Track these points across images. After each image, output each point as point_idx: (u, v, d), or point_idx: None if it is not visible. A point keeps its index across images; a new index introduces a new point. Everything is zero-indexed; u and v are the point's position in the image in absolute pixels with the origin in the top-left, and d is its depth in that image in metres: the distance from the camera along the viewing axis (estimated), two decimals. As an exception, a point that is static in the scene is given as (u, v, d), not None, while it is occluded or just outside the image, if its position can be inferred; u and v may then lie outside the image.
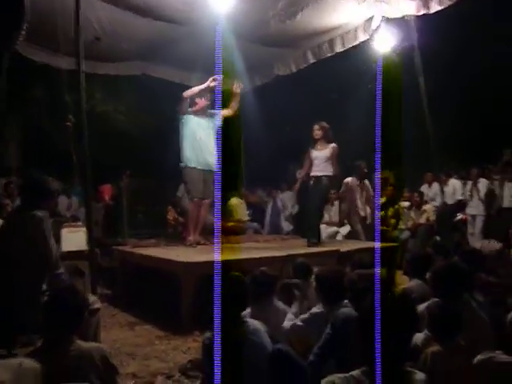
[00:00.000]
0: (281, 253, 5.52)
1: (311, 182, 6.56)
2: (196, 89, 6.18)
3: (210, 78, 6.13)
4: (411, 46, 6.85)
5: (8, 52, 6.39)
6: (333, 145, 6.47)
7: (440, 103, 10.78)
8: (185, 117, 6.16)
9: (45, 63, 7.25)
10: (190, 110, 6.19)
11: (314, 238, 6.32)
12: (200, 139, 6.14)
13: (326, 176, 6.41)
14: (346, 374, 2.01)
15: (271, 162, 6.67)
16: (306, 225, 6.76)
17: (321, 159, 6.45)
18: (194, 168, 6.10)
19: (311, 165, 6.54)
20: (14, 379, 2.03)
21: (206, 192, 6.17)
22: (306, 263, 4.26)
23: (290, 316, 3.46)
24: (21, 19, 5.69)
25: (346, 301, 3.36)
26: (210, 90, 6.17)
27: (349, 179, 8.12)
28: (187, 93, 6.15)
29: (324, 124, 6.57)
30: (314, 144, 6.59)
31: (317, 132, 6.52)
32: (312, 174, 6.52)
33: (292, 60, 8.44)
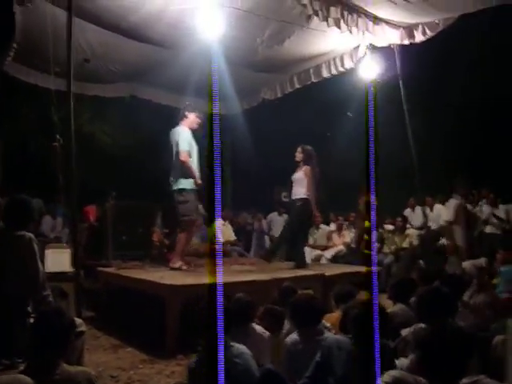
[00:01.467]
0: (265, 276, 5.52)
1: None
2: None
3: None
4: (396, 75, 7.00)
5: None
6: (305, 167, 6.45)
7: (427, 128, 11.03)
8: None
9: (33, 83, 7.28)
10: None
11: (301, 262, 6.35)
12: (194, 161, 6.06)
13: (298, 199, 6.42)
14: None
15: (256, 185, 6.72)
16: (287, 249, 6.90)
17: (295, 182, 6.49)
18: (190, 189, 6.01)
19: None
20: None
21: (196, 213, 6.18)
22: (292, 287, 4.28)
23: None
24: (10, 39, 5.73)
25: (321, 324, 3.40)
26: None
27: None
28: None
29: (306, 147, 6.56)
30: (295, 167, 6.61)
31: (297, 155, 6.54)
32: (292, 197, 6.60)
33: (278, 85, 8.58)
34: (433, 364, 2.22)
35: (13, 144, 11.28)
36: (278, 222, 10.61)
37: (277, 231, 10.54)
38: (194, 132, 6.13)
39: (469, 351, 2.27)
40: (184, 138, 5.95)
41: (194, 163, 6.01)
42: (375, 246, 6.11)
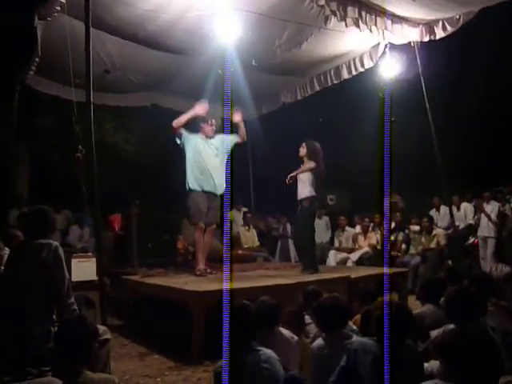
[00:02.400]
0: (290, 280, 5.48)
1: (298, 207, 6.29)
2: (184, 117, 6.08)
3: (198, 106, 6.12)
4: (418, 72, 6.89)
5: (19, 85, 6.54)
6: (309, 162, 6.14)
7: (451, 127, 10.86)
8: (182, 141, 6.11)
9: (55, 95, 7.40)
10: (193, 133, 6.19)
11: (309, 268, 6.09)
12: (202, 162, 6.07)
13: (305, 198, 6.11)
14: None
15: (280, 189, 6.70)
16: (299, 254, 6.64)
17: (300, 180, 6.17)
18: (197, 192, 6.02)
19: None
20: None
21: (209, 217, 6.10)
22: (317, 290, 4.22)
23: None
24: (32, 53, 5.83)
25: (350, 325, 3.35)
26: (206, 118, 6.20)
27: None
28: (176, 123, 6.06)
29: (310, 142, 6.26)
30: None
31: (301, 150, 6.25)
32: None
33: (298, 87, 8.55)
34: (465, 368, 2.13)
35: (38, 156, 11.52)
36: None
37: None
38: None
39: (499, 353, 2.18)
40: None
41: (195, 165, 6.05)
42: (387, 246, 5.97)
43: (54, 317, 3.28)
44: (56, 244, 3.31)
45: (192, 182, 6.04)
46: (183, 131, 6.11)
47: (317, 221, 7.72)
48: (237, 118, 6.11)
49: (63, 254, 3.34)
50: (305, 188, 6.12)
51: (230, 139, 6.17)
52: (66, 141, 8.26)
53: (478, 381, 2.10)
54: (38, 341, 3.08)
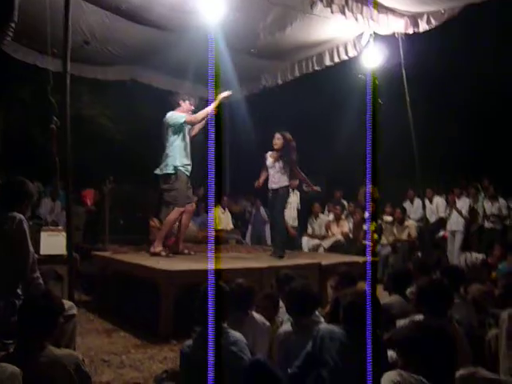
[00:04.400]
0: (262, 264, 5.50)
1: (270, 195, 6.46)
2: (203, 114, 5.97)
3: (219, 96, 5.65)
4: (400, 63, 6.90)
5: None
6: (285, 156, 6.26)
7: (431, 120, 10.96)
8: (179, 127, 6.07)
9: (33, 64, 7.20)
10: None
11: (278, 252, 6.22)
12: (186, 145, 6.07)
13: (283, 187, 6.28)
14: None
15: (256, 172, 6.71)
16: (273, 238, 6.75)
17: (277, 170, 6.29)
18: (184, 174, 6.00)
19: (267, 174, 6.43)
20: None
21: (190, 198, 6.14)
22: (290, 275, 4.24)
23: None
24: (8, 19, 5.64)
25: (316, 313, 3.38)
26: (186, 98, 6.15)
27: None
28: (194, 120, 6.00)
29: (284, 133, 6.33)
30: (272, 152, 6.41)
31: (277, 142, 6.31)
32: (269, 186, 6.40)
33: (280, 72, 8.49)
34: (426, 361, 2.18)
35: (12, 126, 11.26)
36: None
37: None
38: None
39: (453, 345, 2.23)
40: (176, 115, 6.02)
41: (183, 148, 6.01)
42: (369, 236, 6.01)
43: (19, 291, 3.22)
44: (20, 217, 3.23)
45: (180, 164, 5.97)
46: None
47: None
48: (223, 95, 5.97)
49: (27, 228, 3.27)
50: (281, 177, 6.29)
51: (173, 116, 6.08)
52: (40, 111, 8.10)
53: (437, 372, 2.14)
54: (2, 313, 3.03)
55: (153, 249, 5.95)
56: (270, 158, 6.41)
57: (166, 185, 6.02)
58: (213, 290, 2.86)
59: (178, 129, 6.00)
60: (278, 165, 6.30)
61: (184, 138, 6.04)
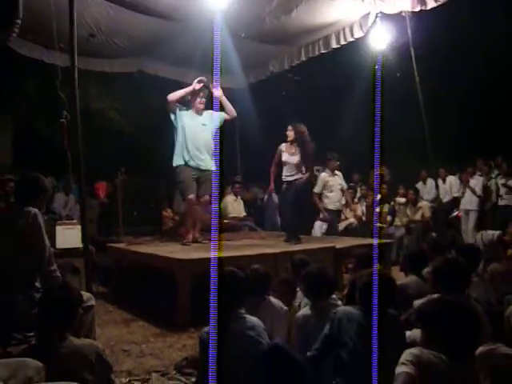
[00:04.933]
0: (275, 250, 5.51)
1: (284, 186, 6.53)
2: (180, 92, 6.07)
3: (195, 80, 6.06)
4: (407, 43, 6.82)
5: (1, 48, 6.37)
6: (300, 148, 6.34)
7: (441, 100, 10.83)
8: (175, 116, 6.08)
9: (39, 59, 7.22)
10: (184, 109, 6.13)
11: (293, 238, 6.27)
12: (192, 137, 6.06)
13: (295, 179, 6.37)
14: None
15: (267, 159, 6.73)
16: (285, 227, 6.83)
17: (294, 162, 6.37)
18: (186, 167, 6.03)
19: (281, 165, 6.51)
20: (15, 375, 2.03)
21: (200, 190, 6.12)
22: (305, 259, 4.25)
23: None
24: (14, 15, 5.65)
25: (333, 296, 3.39)
26: (197, 91, 6.11)
27: None
28: (171, 97, 6.03)
29: (297, 125, 6.41)
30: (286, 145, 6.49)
31: (289, 134, 6.39)
32: (284, 178, 6.48)
33: (287, 57, 8.43)
34: (444, 337, 2.17)
35: (22, 122, 11.32)
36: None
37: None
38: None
39: (478, 322, 2.21)
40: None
41: (184, 142, 6.02)
42: (377, 218, 6.02)
43: (38, 284, 3.26)
44: (35, 211, 3.27)
45: (179, 157, 6.04)
46: (177, 106, 6.06)
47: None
48: (216, 93, 5.98)
49: (43, 222, 3.31)
50: (297, 170, 6.38)
51: (218, 116, 6.10)
52: (50, 106, 8.14)
53: (457, 348, 2.14)
54: (22, 307, 3.08)
55: (185, 240, 6.08)
56: (285, 153, 6.45)
57: (175, 177, 6.13)
58: (225, 276, 2.88)
59: (175, 122, 6.09)
60: (295, 158, 6.37)
61: (185, 131, 6.04)
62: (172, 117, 6.10)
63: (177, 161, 6.06)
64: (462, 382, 2.10)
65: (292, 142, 6.40)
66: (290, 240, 6.26)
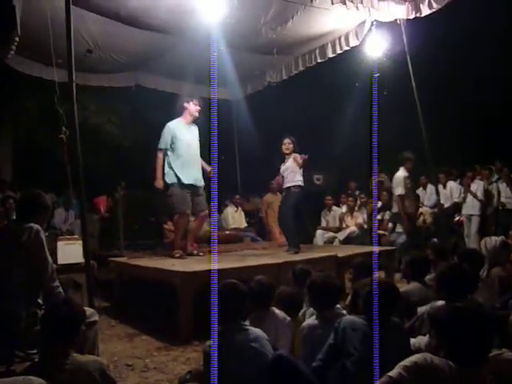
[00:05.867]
0: (277, 260, 5.50)
1: (282, 195, 6.76)
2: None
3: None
4: (403, 50, 6.85)
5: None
6: (294, 155, 6.50)
7: (438, 104, 10.86)
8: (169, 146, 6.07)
9: (37, 76, 7.25)
10: (175, 123, 6.13)
11: (293, 248, 6.27)
12: (184, 154, 6.06)
13: (296, 186, 6.45)
14: None
15: (265, 170, 6.75)
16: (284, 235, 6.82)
17: (290, 170, 6.51)
18: (176, 185, 6.01)
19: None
20: None
21: (198, 205, 6.14)
22: (307, 269, 4.23)
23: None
24: (11, 33, 5.68)
25: (338, 306, 3.37)
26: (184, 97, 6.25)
27: None
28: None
29: (292, 138, 6.63)
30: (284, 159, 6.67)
31: (288, 146, 6.59)
32: (283, 186, 6.63)
33: (284, 67, 8.47)
34: (455, 344, 2.15)
35: (22, 139, 11.35)
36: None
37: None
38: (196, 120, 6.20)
39: (490, 328, 2.20)
40: (163, 134, 6.06)
41: (178, 159, 6.01)
42: (376, 225, 6.02)
43: (40, 301, 3.25)
44: (37, 227, 3.28)
45: (171, 176, 6.01)
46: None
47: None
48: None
49: (44, 238, 3.32)
50: (294, 177, 6.47)
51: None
52: (49, 123, 8.16)
53: (467, 355, 2.12)
54: (25, 324, 3.07)
55: (174, 254, 6.05)
56: (283, 165, 6.64)
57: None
58: (227, 289, 2.88)
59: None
60: (291, 165, 6.50)
61: (177, 147, 6.03)
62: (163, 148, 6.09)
63: (166, 181, 6.01)
64: None
65: (289, 154, 6.58)
66: (289, 249, 6.26)
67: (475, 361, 2.12)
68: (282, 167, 6.64)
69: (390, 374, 2.09)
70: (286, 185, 6.54)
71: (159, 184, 5.99)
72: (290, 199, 6.48)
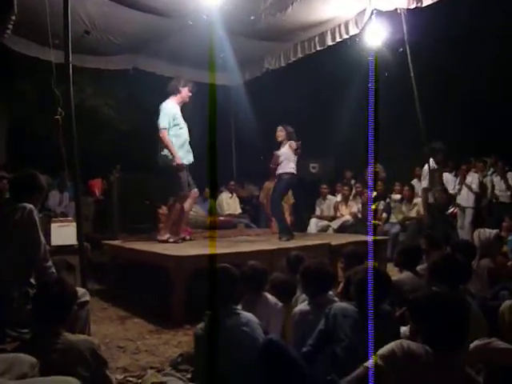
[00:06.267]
0: (271, 246, 5.52)
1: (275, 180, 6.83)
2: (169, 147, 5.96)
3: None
4: (403, 40, 6.81)
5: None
6: (290, 142, 6.55)
7: (435, 96, 10.84)
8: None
9: (34, 57, 7.18)
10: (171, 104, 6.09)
11: (285, 235, 6.30)
12: (182, 133, 6.06)
13: (287, 172, 6.51)
14: None
15: (263, 156, 6.77)
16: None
17: (283, 157, 6.56)
18: (185, 165, 6.01)
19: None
20: (10, 371, 2.03)
21: (190, 184, 6.14)
22: (301, 256, 4.25)
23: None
24: (8, 12, 5.62)
25: (330, 292, 3.39)
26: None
27: None
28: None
29: (286, 126, 6.71)
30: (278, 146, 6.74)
31: (280, 134, 6.67)
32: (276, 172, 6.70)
33: (282, 54, 8.42)
34: (432, 330, 2.18)
35: (17, 119, 11.27)
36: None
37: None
38: (185, 104, 6.21)
39: (466, 318, 2.21)
40: (165, 114, 5.96)
41: (178, 139, 5.98)
42: (371, 215, 6.05)
43: (32, 280, 3.25)
44: (30, 207, 3.26)
45: (180, 156, 5.95)
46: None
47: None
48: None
49: (38, 218, 3.30)
50: (287, 164, 6.54)
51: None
52: (45, 104, 8.11)
53: (442, 342, 2.15)
54: (17, 303, 3.07)
55: (160, 237, 6.01)
56: (277, 152, 6.70)
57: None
58: (219, 273, 2.89)
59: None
60: (286, 152, 6.56)
61: (176, 127, 6.01)
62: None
63: (176, 159, 5.92)
64: (448, 376, 2.11)
65: (281, 141, 6.66)
66: (280, 236, 6.28)
67: (451, 347, 2.15)
68: (278, 152, 6.68)
69: (366, 364, 2.12)
70: (279, 171, 6.60)
71: (180, 160, 5.91)
72: (281, 186, 6.59)
